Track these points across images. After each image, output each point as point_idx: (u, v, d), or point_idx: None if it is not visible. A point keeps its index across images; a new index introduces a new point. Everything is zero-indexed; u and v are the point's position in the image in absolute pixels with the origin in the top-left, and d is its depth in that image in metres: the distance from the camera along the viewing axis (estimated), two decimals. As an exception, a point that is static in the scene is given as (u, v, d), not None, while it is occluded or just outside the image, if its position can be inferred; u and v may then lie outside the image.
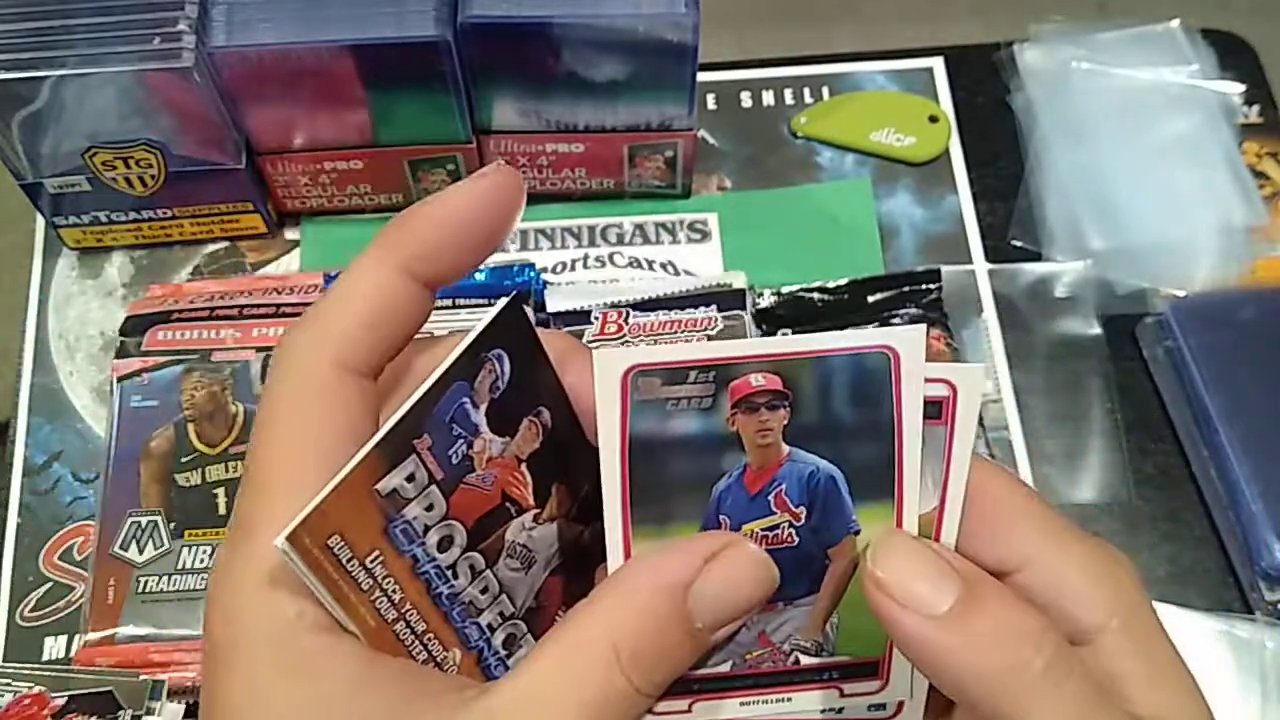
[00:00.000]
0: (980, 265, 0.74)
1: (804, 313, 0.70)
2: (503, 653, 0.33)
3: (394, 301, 0.32)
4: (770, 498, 0.32)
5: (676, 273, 0.73)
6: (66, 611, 0.64)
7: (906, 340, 0.31)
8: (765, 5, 1.58)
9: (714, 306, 0.66)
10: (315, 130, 0.69)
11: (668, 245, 0.74)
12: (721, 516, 0.32)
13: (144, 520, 0.63)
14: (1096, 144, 0.76)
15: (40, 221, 0.74)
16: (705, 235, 0.75)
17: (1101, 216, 0.74)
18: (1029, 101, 0.78)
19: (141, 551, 0.62)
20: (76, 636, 0.61)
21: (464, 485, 0.32)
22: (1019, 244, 0.75)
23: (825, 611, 0.34)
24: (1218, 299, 0.72)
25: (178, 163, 0.68)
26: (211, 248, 0.75)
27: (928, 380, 0.31)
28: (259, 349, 0.66)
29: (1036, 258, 0.74)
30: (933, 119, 0.78)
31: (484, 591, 0.33)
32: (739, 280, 0.69)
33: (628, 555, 0.32)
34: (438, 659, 0.32)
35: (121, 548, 0.62)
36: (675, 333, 0.65)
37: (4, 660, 0.63)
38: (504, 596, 0.33)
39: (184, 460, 0.64)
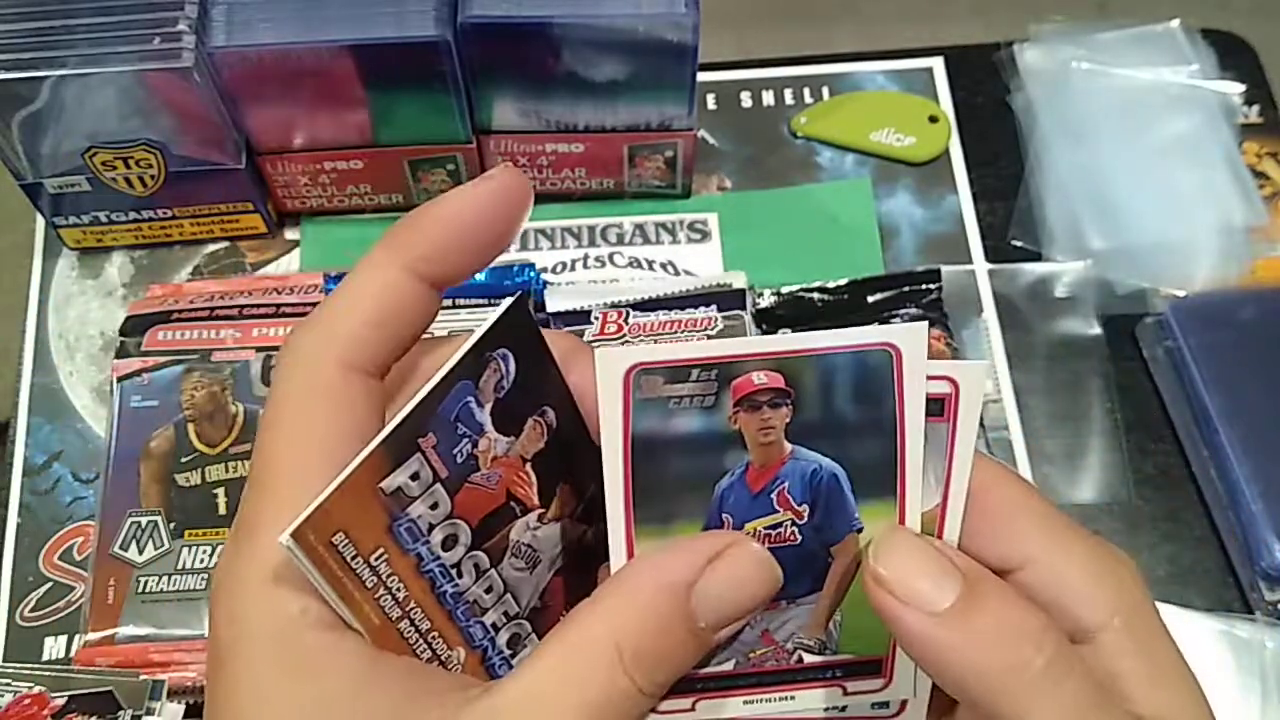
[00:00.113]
0: (980, 265, 0.74)
1: (804, 313, 0.70)
2: (507, 652, 0.34)
3: (400, 301, 0.32)
4: (773, 496, 0.32)
5: (676, 273, 0.73)
6: (66, 611, 0.64)
7: (908, 337, 0.31)
8: (765, 5, 1.59)
9: (714, 306, 0.66)
10: (315, 130, 0.69)
11: (668, 245, 0.74)
12: (724, 515, 0.32)
13: (144, 520, 0.63)
14: (1096, 144, 0.76)
15: (40, 221, 0.74)
16: (705, 235, 0.75)
17: (1101, 216, 0.74)
18: (1029, 101, 0.78)
19: (141, 551, 0.62)
20: (76, 636, 0.61)
21: (469, 484, 0.32)
22: (1019, 244, 0.75)
23: (828, 610, 0.34)
24: (1218, 299, 0.72)
25: (178, 163, 0.68)
26: (211, 248, 0.74)
27: (930, 378, 0.31)
28: (259, 349, 0.66)
29: (1036, 258, 0.74)
30: (933, 119, 0.78)
31: (488, 591, 0.33)
32: (739, 280, 0.69)
33: (630, 554, 0.32)
34: (442, 658, 0.32)
35: (121, 548, 0.62)
36: (675, 333, 0.65)
37: (4, 660, 0.63)
38: (508, 596, 0.33)
39: (184, 460, 0.64)
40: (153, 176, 0.68)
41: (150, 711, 0.58)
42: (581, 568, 0.35)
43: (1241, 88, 0.78)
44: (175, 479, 0.63)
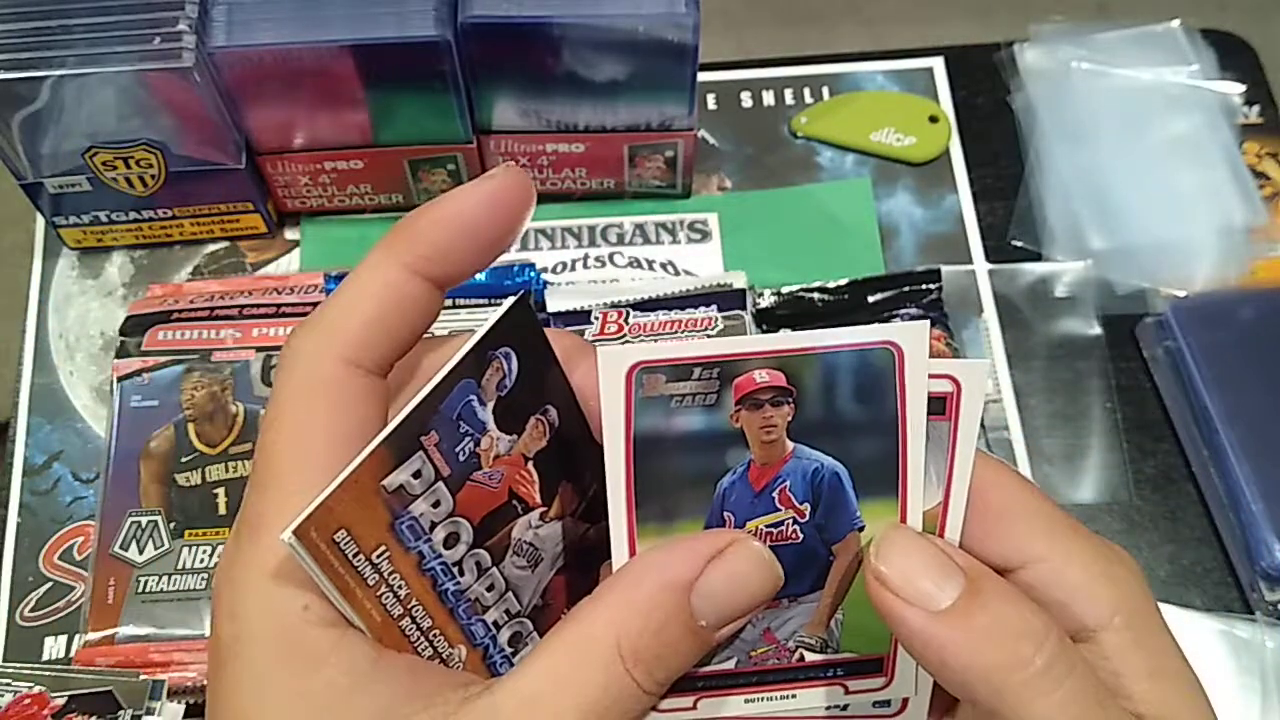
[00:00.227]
0: (980, 265, 0.74)
1: (804, 313, 0.70)
2: (508, 650, 0.34)
3: (402, 300, 0.32)
4: (774, 494, 0.32)
5: (676, 273, 0.73)
6: (66, 611, 0.64)
7: (910, 336, 0.31)
8: (765, 5, 1.59)
9: (714, 306, 0.67)
10: (315, 130, 0.69)
11: (668, 245, 0.74)
12: (726, 513, 0.32)
13: (144, 520, 0.63)
14: (1096, 144, 0.76)
15: (40, 221, 0.74)
16: (705, 235, 0.75)
17: (1101, 216, 0.74)
18: (1029, 101, 0.78)
19: (141, 551, 0.62)
20: (76, 636, 0.61)
21: (471, 482, 0.32)
22: (1019, 244, 0.75)
23: (830, 608, 0.34)
24: (1218, 299, 0.72)
25: (178, 163, 0.68)
26: (211, 248, 0.74)
27: (931, 376, 0.31)
28: (259, 349, 0.66)
29: (1036, 258, 0.74)
30: (933, 119, 0.78)
31: (490, 589, 0.33)
32: (739, 280, 0.69)
33: (633, 553, 0.32)
34: (443, 655, 0.32)
35: (121, 548, 0.62)
36: (675, 333, 0.65)
37: (4, 660, 0.63)
38: (510, 594, 0.33)
39: (184, 460, 0.64)
40: (153, 176, 0.68)
41: (150, 711, 0.58)
42: (583, 566, 0.35)
43: (1241, 88, 0.78)
44: (175, 479, 0.63)
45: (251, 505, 0.31)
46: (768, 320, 0.69)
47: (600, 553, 0.33)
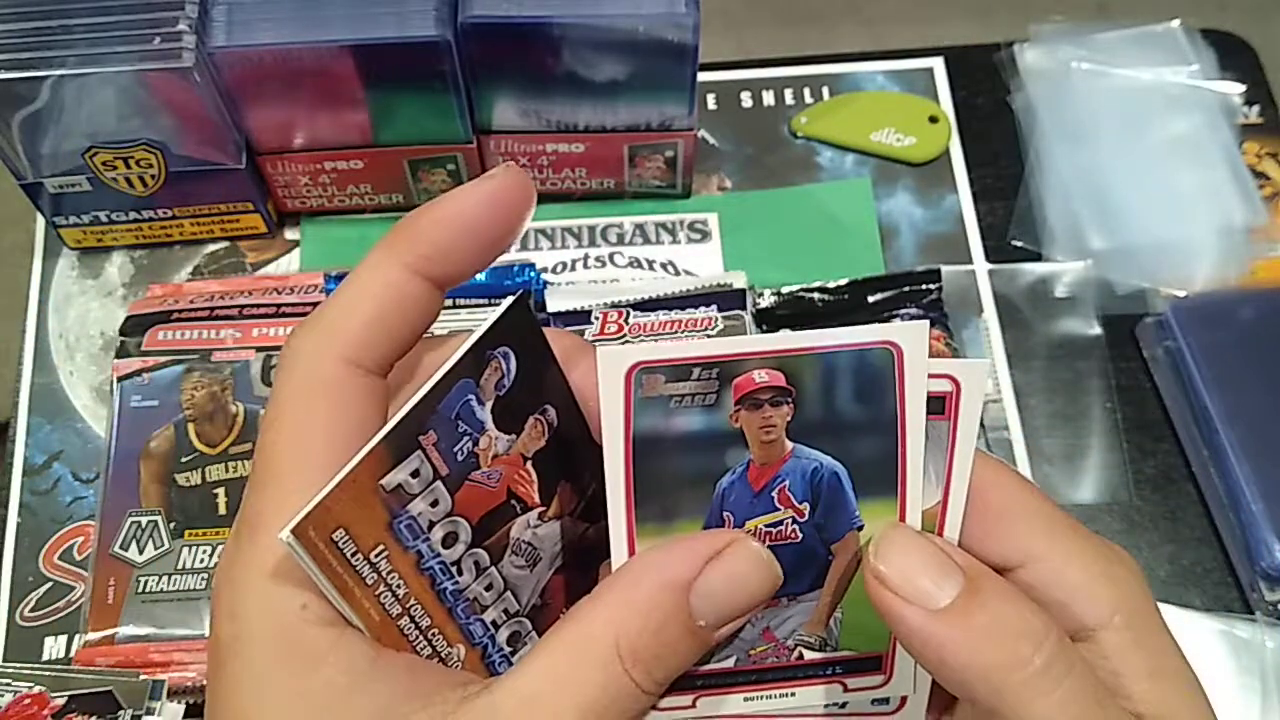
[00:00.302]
0: (980, 265, 0.74)
1: (804, 313, 0.70)
2: (507, 650, 0.34)
3: (402, 300, 0.33)
4: (774, 494, 0.32)
5: (677, 273, 0.73)
6: (66, 611, 0.64)
7: (909, 336, 0.31)
8: (765, 5, 1.59)
9: (714, 306, 0.67)
10: (315, 130, 0.69)
11: (668, 245, 0.74)
12: (725, 513, 0.32)
13: (144, 520, 0.63)
14: (1096, 144, 0.76)
15: (40, 221, 0.74)
16: (705, 235, 0.75)
17: (1101, 216, 0.74)
18: (1029, 101, 0.78)
19: (141, 551, 0.62)
20: (76, 636, 0.61)
21: (469, 482, 0.32)
22: (1019, 244, 0.75)
23: (829, 607, 0.34)
24: (1218, 299, 0.72)
25: (178, 163, 0.68)
26: (211, 248, 0.74)
27: (931, 375, 0.31)
28: (259, 349, 0.66)
29: (1036, 258, 0.74)
30: (933, 119, 0.78)
31: (488, 588, 0.33)
32: (739, 280, 0.69)
33: (632, 552, 0.32)
34: (442, 655, 0.32)
35: (121, 548, 0.62)
36: (675, 333, 0.65)
37: (4, 660, 0.63)
38: (508, 594, 0.33)
39: (184, 460, 0.64)
40: (153, 176, 0.68)
41: (150, 711, 0.58)
42: (582, 566, 0.35)
43: (1241, 88, 0.78)
44: (175, 479, 0.63)
45: (251, 505, 0.31)
46: (768, 320, 0.69)
47: (599, 552, 0.33)
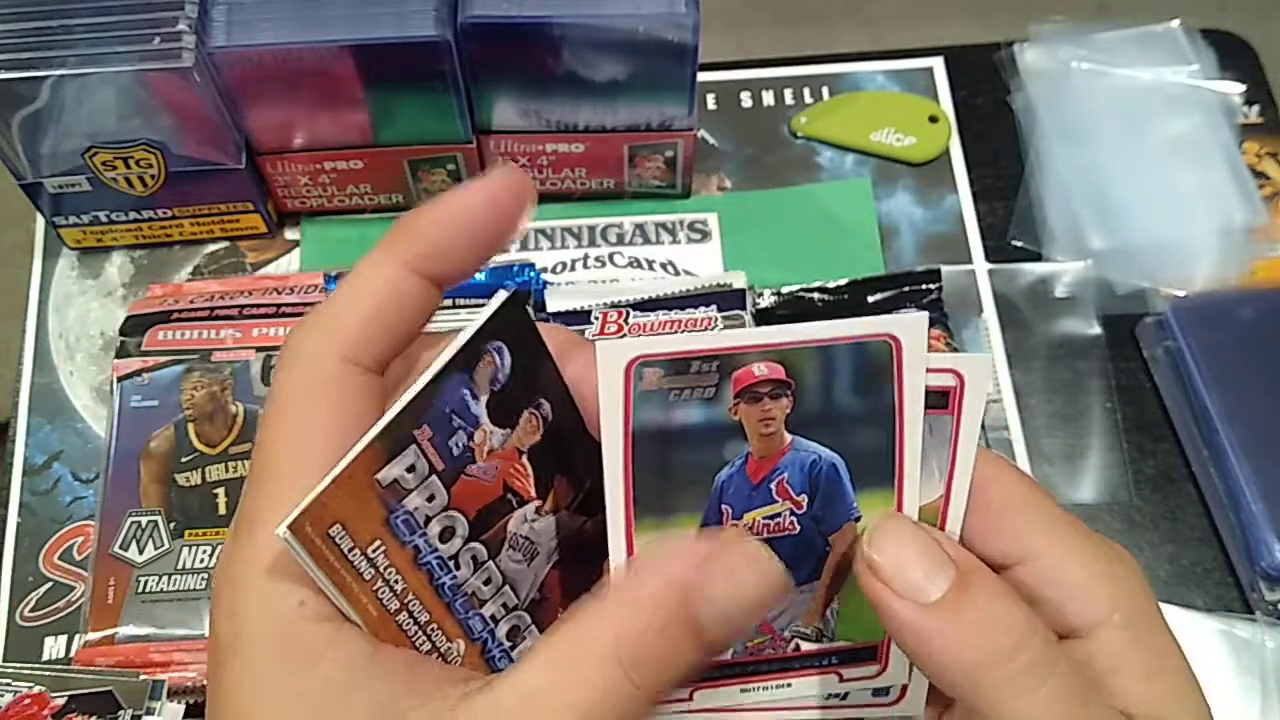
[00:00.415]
0: (980, 265, 0.74)
1: (804, 313, 0.70)
2: (507, 644, 0.33)
3: (401, 298, 0.33)
4: (772, 486, 0.32)
5: (676, 273, 0.73)
6: (66, 611, 0.64)
7: (908, 328, 0.31)
8: (765, 5, 1.59)
9: (714, 306, 0.67)
10: (315, 130, 0.69)
11: (668, 245, 0.74)
12: (724, 506, 0.32)
13: (144, 520, 0.63)
14: (1096, 144, 0.76)
15: (40, 221, 0.74)
16: (705, 235, 0.75)
17: (1101, 216, 0.74)
18: (1029, 101, 0.78)
19: (141, 551, 0.62)
20: (76, 636, 0.61)
21: (465, 476, 0.32)
22: (1019, 244, 0.75)
23: (826, 598, 0.34)
24: (1218, 299, 0.72)
25: (178, 163, 0.68)
26: (211, 248, 0.75)
27: (935, 370, 0.31)
28: (259, 349, 0.66)
29: (1036, 258, 0.74)
30: (933, 119, 0.78)
31: (487, 583, 0.33)
32: (739, 280, 0.69)
33: (630, 547, 0.32)
34: (441, 650, 0.32)
35: (121, 548, 0.62)
36: (675, 332, 0.65)
37: (4, 660, 0.63)
38: (507, 588, 0.33)
39: (184, 460, 0.64)
40: (153, 176, 0.68)
41: (150, 711, 0.58)
42: (579, 560, 0.35)
43: (1241, 88, 0.78)
44: (175, 479, 0.63)
45: (249, 502, 0.31)
46: (767, 320, 0.69)
47: (597, 546, 0.33)
